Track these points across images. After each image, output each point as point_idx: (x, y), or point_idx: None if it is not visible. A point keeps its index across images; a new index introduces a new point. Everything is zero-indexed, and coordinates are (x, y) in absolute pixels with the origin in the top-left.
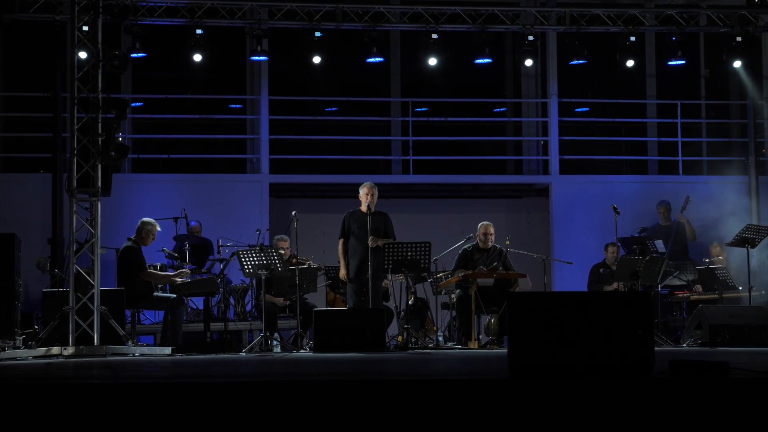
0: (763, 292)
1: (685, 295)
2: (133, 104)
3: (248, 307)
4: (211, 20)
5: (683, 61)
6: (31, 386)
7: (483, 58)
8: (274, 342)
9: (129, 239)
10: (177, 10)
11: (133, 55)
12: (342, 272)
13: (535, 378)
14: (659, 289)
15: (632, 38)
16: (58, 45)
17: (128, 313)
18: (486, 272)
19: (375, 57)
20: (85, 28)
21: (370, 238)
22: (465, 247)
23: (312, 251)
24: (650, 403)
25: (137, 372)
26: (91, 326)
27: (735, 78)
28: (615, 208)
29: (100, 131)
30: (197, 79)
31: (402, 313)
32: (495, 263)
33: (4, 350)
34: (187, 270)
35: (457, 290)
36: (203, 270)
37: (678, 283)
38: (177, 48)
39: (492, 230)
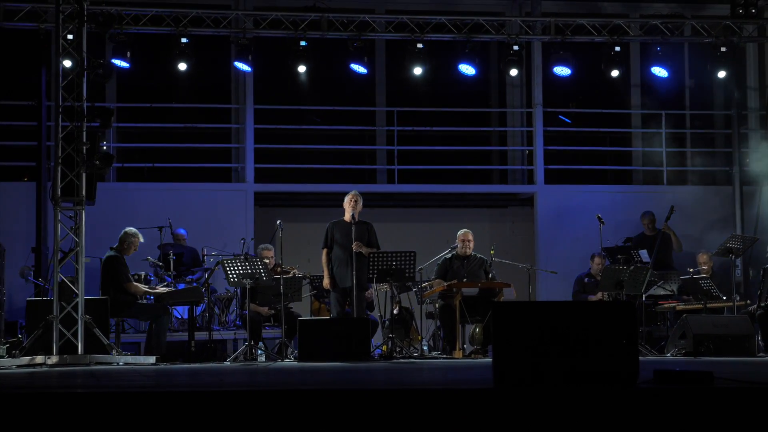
0: (747, 301)
1: (671, 304)
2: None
3: (232, 317)
4: (196, 29)
5: (668, 71)
6: (15, 395)
7: (468, 67)
8: (259, 351)
9: (111, 248)
10: (162, 19)
11: (117, 63)
12: (326, 282)
13: (519, 387)
14: (644, 298)
15: (617, 48)
16: (42, 53)
17: (113, 321)
18: (471, 282)
19: (360, 66)
20: (70, 36)
21: (354, 243)
22: (445, 256)
23: (297, 260)
24: (634, 413)
25: (121, 381)
26: (75, 335)
27: (719, 88)
28: (600, 218)
29: (84, 140)
30: (182, 88)
31: (386, 322)
32: (483, 278)
33: None
34: (167, 289)
35: (441, 300)
36: (188, 279)
37: (662, 293)
38: (162, 57)
39: (470, 237)
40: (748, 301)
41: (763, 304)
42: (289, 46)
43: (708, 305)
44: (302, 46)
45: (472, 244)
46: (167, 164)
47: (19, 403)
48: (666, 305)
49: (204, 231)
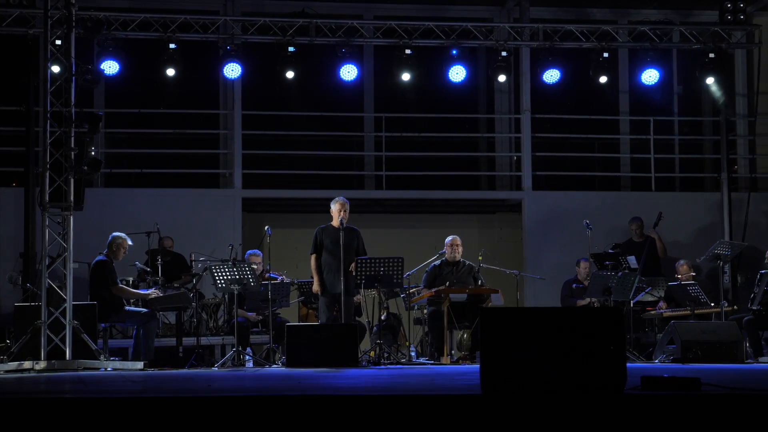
0: (735, 307)
1: (656, 312)
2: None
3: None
4: (184, 35)
5: (657, 78)
6: (2, 400)
7: (456, 73)
8: (247, 357)
9: (101, 253)
10: (150, 24)
11: (104, 69)
12: (315, 287)
13: (507, 394)
14: (631, 304)
15: (605, 54)
16: (31, 59)
17: (103, 326)
18: (459, 288)
19: (349, 72)
20: (58, 42)
21: (351, 267)
22: (434, 263)
23: (285, 266)
24: (622, 419)
25: (109, 386)
26: (63, 340)
27: (708, 94)
28: (588, 224)
29: (72, 145)
30: (170, 94)
31: (375, 328)
32: (472, 284)
33: None
34: (156, 291)
35: (430, 306)
36: (176, 285)
37: (650, 299)
38: (150, 62)
39: (458, 242)
40: (735, 307)
41: (754, 308)
42: (278, 51)
43: (696, 311)
44: (290, 51)
45: (460, 250)
46: (155, 170)
47: (7, 408)
48: (653, 312)
49: (192, 237)
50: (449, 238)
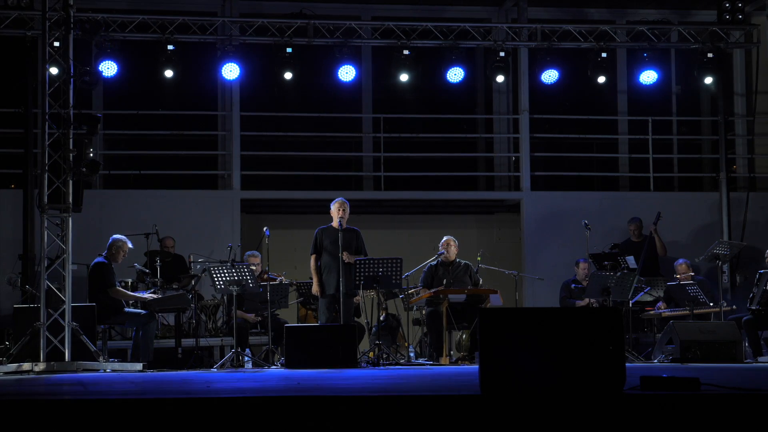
0: (734, 307)
1: (655, 312)
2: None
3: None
4: (182, 36)
5: (655, 78)
6: (2, 402)
7: (454, 74)
8: (246, 358)
9: (100, 255)
10: (148, 26)
11: (103, 70)
12: (315, 288)
13: (506, 394)
14: (631, 305)
15: (604, 54)
16: (29, 61)
17: (102, 327)
18: (458, 289)
19: (347, 73)
20: (57, 43)
21: (344, 254)
22: (431, 263)
23: (283, 267)
24: (621, 419)
25: (109, 388)
26: (62, 342)
27: (706, 94)
28: (586, 225)
29: (71, 147)
30: (169, 95)
31: (374, 328)
32: (469, 284)
33: None
34: (151, 295)
35: (428, 307)
36: (174, 286)
37: (649, 299)
38: (149, 64)
39: (452, 242)
40: (734, 307)
41: (753, 307)
42: (276, 52)
43: (695, 311)
44: (288, 52)
45: (452, 249)
46: (154, 171)
47: (6, 410)
48: (652, 312)
49: (191, 238)
50: (443, 239)
